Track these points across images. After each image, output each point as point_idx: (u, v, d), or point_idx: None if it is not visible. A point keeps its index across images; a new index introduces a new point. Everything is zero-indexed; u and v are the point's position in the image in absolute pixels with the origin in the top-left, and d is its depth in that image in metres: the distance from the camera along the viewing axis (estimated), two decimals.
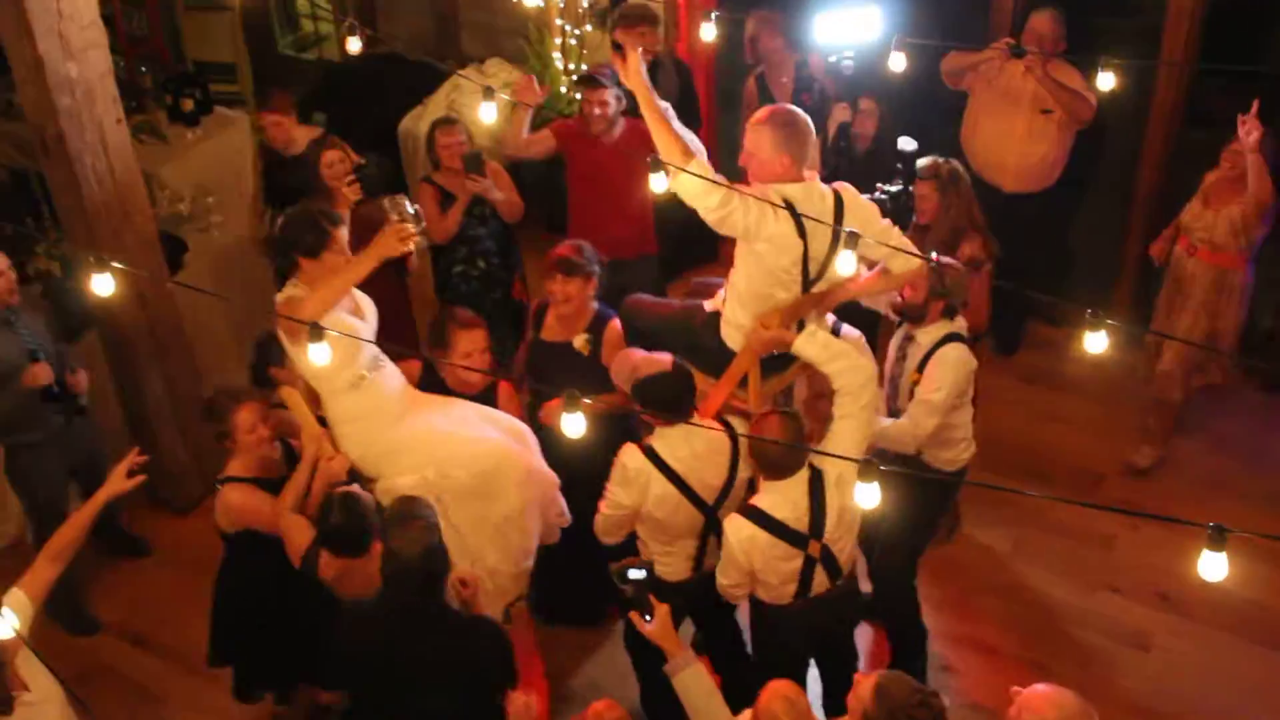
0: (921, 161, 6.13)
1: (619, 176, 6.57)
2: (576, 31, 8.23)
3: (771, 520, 4.66)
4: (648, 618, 4.29)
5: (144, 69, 8.56)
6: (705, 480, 4.91)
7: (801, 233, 4.76)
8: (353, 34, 5.69)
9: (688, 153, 4.68)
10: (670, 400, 4.80)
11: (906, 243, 5.07)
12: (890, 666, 5.93)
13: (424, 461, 4.97)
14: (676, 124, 4.88)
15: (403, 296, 6.93)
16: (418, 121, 8.60)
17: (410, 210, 4.84)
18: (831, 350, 4.85)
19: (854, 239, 4.49)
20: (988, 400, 6.39)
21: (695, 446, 4.87)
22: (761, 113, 4.82)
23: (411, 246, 4.83)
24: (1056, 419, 7.39)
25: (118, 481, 4.79)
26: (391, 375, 5.07)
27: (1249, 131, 5.99)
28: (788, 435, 4.57)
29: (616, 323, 5.70)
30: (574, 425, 3.99)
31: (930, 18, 7.19)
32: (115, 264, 4.24)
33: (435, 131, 6.71)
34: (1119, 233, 7.66)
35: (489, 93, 5.18)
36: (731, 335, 5.09)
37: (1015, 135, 7.13)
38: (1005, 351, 7.75)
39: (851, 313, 5.38)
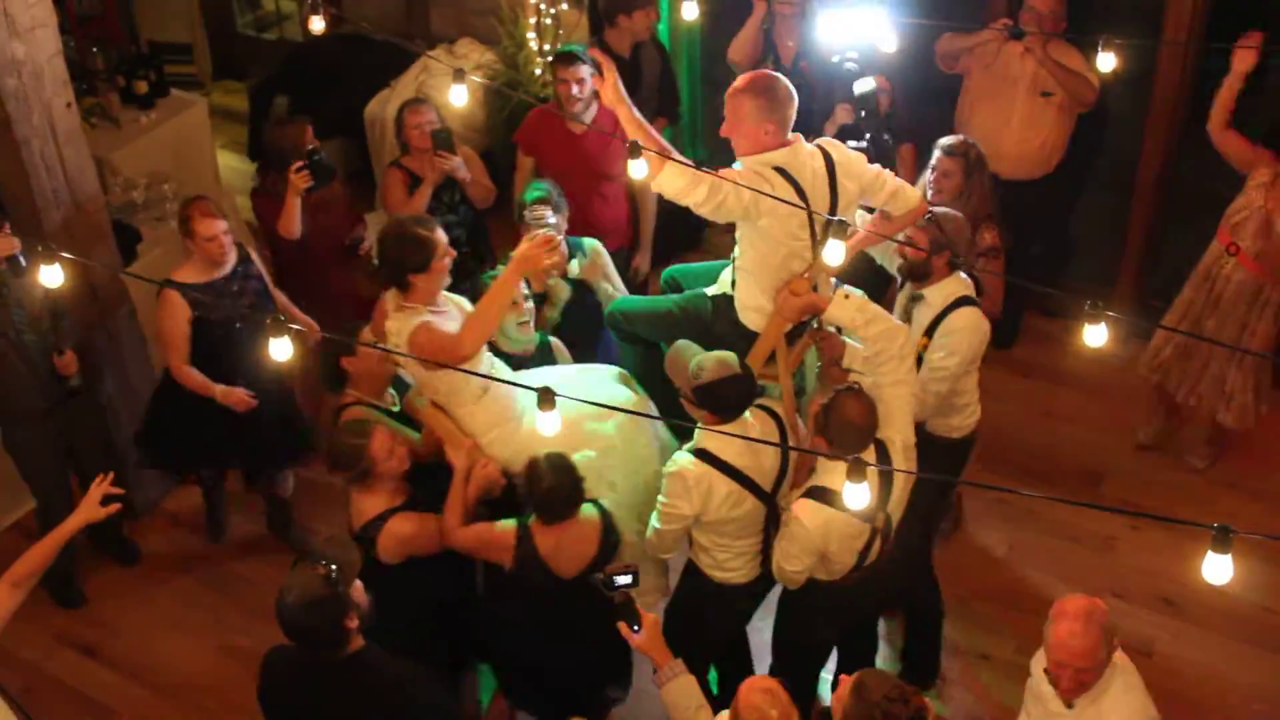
0: (948, 140, 6.15)
1: (595, 165, 6.61)
2: (552, 11, 8.23)
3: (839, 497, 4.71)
4: (636, 628, 4.32)
5: (95, 49, 8.53)
6: (763, 468, 4.93)
7: (801, 195, 4.84)
8: (316, 13, 5.67)
9: (664, 162, 4.76)
10: (736, 404, 4.83)
11: (900, 182, 5.19)
12: (906, 650, 6.12)
13: (566, 436, 4.92)
14: (654, 134, 4.98)
15: (356, 282, 6.96)
16: (385, 105, 8.58)
17: (552, 219, 5.00)
18: (867, 314, 4.86)
19: (842, 226, 4.52)
20: (984, 395, 6.42)
21: (736, 446, 4.88)
22: (739, 81, 4.89)
23: (558, 258, 4.97)
24: (1055, 415, 7.42)
25: (89, 509, 4.73)
26: (504, 370, 5.18)
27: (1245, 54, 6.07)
28: (866, 412, 4.66)
29: (592, 245, 6.05)
30: (550, 423, 4.06)
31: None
32: (65, 255, 4.23)
33: (404, 112, 6.71)
34: (1121, 221, 7.71)
35: (459, 74, 5.20)
36: (750, 318, 5.17)
37: (1013, 120, 7.16)
38: (1001, 344, 7.77)
39: (862, 280, 5.44)
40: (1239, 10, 7.07)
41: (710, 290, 5.36)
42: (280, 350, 3.99)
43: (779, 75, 4.94)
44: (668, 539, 4.99)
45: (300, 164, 6.31)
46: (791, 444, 5.00)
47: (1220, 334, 6.48)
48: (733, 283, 5.26)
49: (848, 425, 4.66)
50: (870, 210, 5.36)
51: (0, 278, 5.77)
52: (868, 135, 6.35)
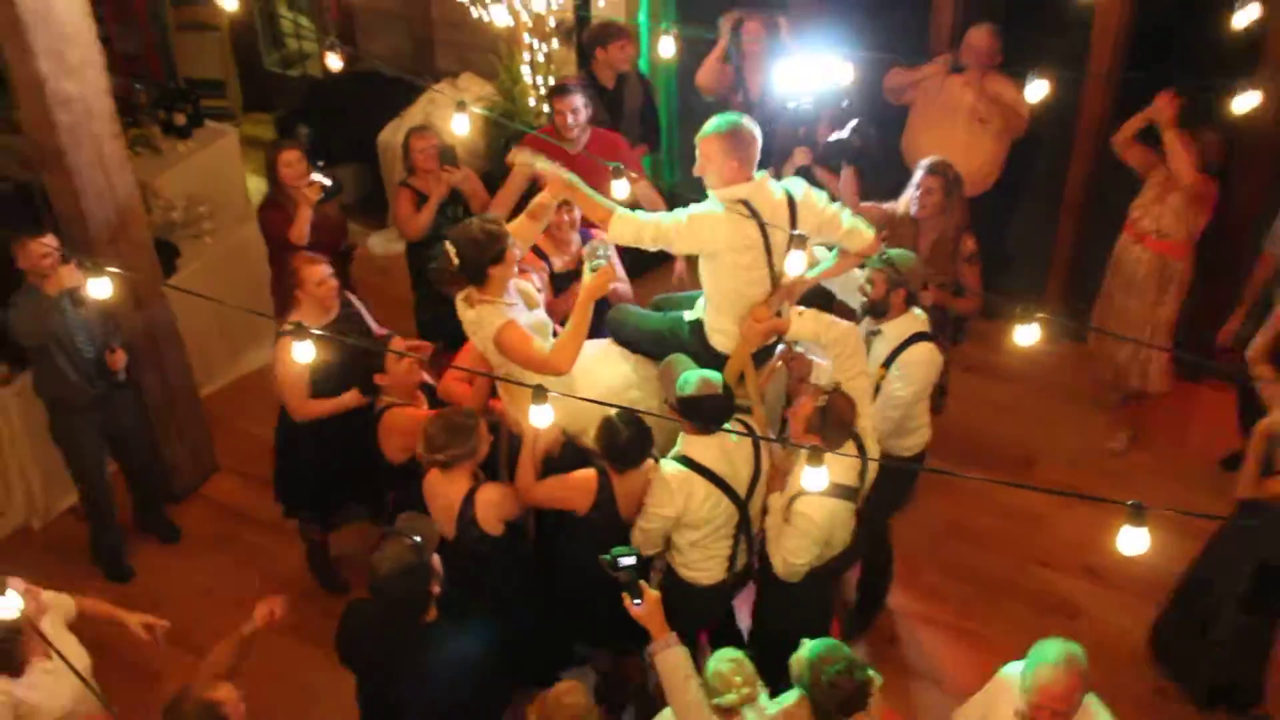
0: (930, 159, 6.24)
1: (588, 183, 6.69)
2: (544, 48, 8.31)
3: (844, 488, 4.87)
4: (637, 601, 4.38)
5: (138, 85, 8.59)
6: (739, 474, 4.99)
7: (762, 226, 4.91)
8: (334, 51, 5.77)
9: (608, 214, 4.97)
10: (714, 418, 4.86)
11: (855, 220, 5.24)
12: (857, 610, 6.23)
13: (615, 400, 5.14)
14: (590, 192, 5.15)
15: (349, 285, 7.10)
16: (396, 133, 8.65)
17: (606, 253, 5.06)
18: (823, 322, 5.04)
19: (802, 240, 4.62)
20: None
21: (724, 444, 4.95)
22: (707, 126, 4.99)
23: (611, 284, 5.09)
24: (993, 405, 7.53)
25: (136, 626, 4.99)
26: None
27: (1163, 108, 6.24)
28: (852, 410, 4.82)
29: (598, 233, 6.05)
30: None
31: (872, 35, 7.31)
32: (113, 269, 4.32)
33: (410, 137, 6.84)
34: (1050, 233, 7.81)
35: (461, 106, 5.31)
36: (719, 340, 5.24)
37: (955, 145, 7.20)
38: (953, 341, 7.87)
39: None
40: (1154, 48, 7.20)
41: (688, 315, 5.43)
42: (543, 417, 4.15)
43: (743, 119, 5.00)
44: (653, 536, 5.05)
45: (311, 179, 6.52)
46: (765, 455, 5.08)
47: (1137, 310, 6.73)
48: (703, 307, 5.35)
49: (841, 424, 4.79)
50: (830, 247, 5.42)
51: (61, 299, 5.93)
52: (851, 126, 6.43)
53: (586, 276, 5.02)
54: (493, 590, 5.13)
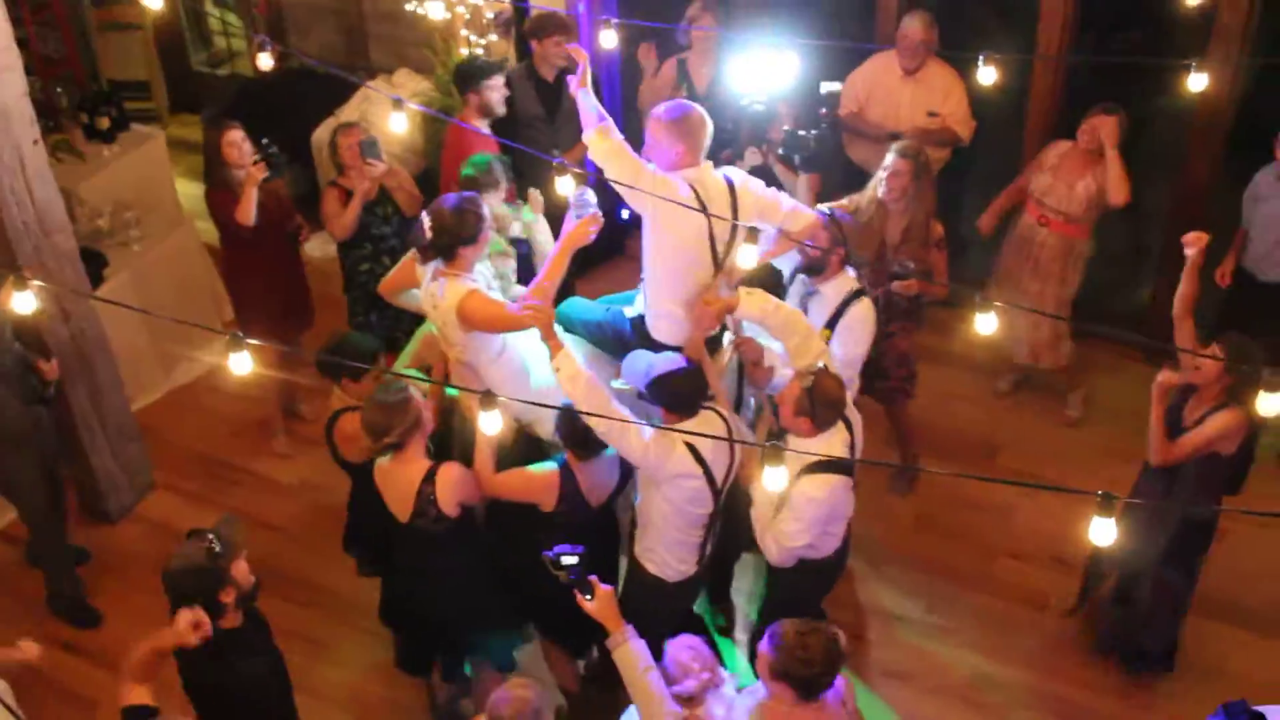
0: (902, 142, 6.20)
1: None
2: (481, 41, 8.15)
3: (840, 463, 4.83)
4: (589, 597, 4.35)
5: (59, 89, 8.37)
6: (720, 465, 4.95)
7: (704, 208, 4.93)
8: (264, 50, 5.59)
9: (596, 122, 4.94)
10: (689, 398, 4.83)
11: (795, 202, 5.37)
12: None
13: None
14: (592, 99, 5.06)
15: (299, 265, 7.18)
16: (330, 132, 8.47)
17: (591, 201, 4.99)
18: (770, 303, 5.02)
19: (754, 233, 4.58)
20: None
21: (706, 441, 4.88)
22: (657, 109, 5.06)
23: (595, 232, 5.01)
24: (955, 396, 7.46)
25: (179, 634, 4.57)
26: (521, 336, 5.22)
27: (1108, 135, 6.34)
28: (841, 388, 4.80)
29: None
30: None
31: (816, 23, 7.23)
32: (36, 281, 4.13)
33: (336, 135, 6.71)
34: (1004, 221, 7.72)
35: (398, 103, 5.17)
36: (661, 327, 5.25)
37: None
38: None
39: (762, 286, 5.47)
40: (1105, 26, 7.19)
41: (629, 312, 5.46)
42: (491, 423, 4.08)
43: (693, 105, 5.06)
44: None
45: (256, 157, 6.39)
46: (736, 438, 5.01)
47: (1043, 290, 6.84)
48: (645, 300, 5.33)
49: (830, 403, 4.76)
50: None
51: None
52: (814, 132, 6.33)
53: (569, 223, 4.98)
54: (441, 574, 5.10)
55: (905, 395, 6.62)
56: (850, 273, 5.52)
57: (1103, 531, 3.56)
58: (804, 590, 5.26)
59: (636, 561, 5.17)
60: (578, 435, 4.91)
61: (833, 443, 4.84)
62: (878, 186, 6.11)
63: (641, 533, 5.12)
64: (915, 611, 6.29)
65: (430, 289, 5.13)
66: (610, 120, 5.00)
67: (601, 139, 4.91)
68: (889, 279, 6.08)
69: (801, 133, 6.20)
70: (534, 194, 6.34)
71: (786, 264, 5.66)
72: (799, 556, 5.03)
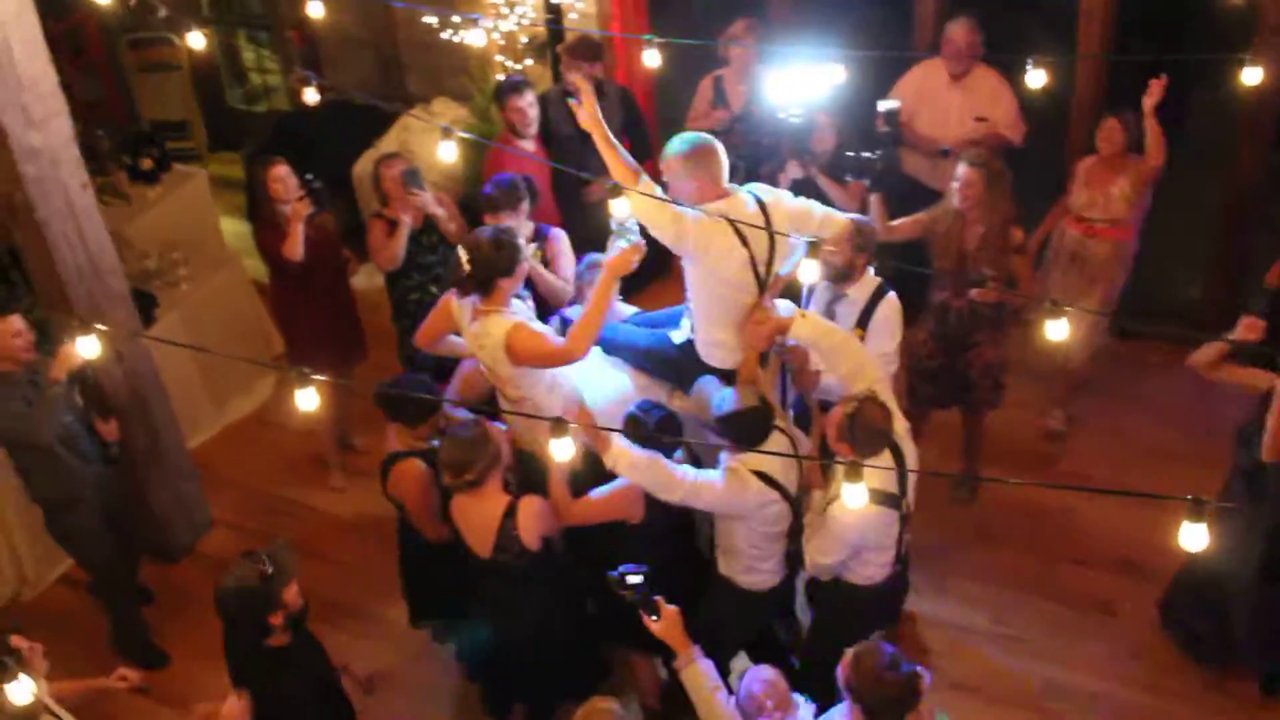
0: (971, 152, 6.18)
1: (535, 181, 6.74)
2: (517, 66, 8.19)
3: (881, 494, 4.76)
4: (654, 618, 4.33)
5: (101, 132, 8.44)
6: (791, 480, 4.97)
7: (744, 241, 4.91)
8: (306, 85, 5.62)
9: (635, 177, 4.84)
10: (753, 435, 4.82)
11: (826, 209, 5.34)
12: None
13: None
14: (627, 157, 4.98)
15: (349, 297, 7.19)
16: (370, 164, 8.52)
17: (633, 228, 4.97)
18: (823, 327, 5.01)
19: (815, 247, 4.57)
20: None
21: (775, 464, 4.91)
22: (667, 148, 5.02)
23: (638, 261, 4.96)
24: (1008, 402, 7.32)
25: (112, 683, 4.99)
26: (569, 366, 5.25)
27: (1151, 94, 6.21)
28: (886, 417, 4.74)
29: (556, 231, 6.29)
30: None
31: (853, 33, 7.20)
32: (98, 325, 4.18)
33: (379, 167, 6.75)
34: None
35: (447, 132, 5.17)
36: (713, 354, 5.23)
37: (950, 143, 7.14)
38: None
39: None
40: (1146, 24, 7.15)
41: (675, 337, 5.43)
42: (564, 450, 4.13)
43: (700, 136, 5.01)
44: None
45: (301, 193, 6.47)
46: (803, 453, 5.03)
47: (1089, 295, 6.78)
48: (691, 326, 5.32)
49: (872, 431, 4.70)
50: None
51: (31, 368, 5.67)
52: (879, 152, 6.33)
53: (611, 253, 4.92)
54: (525, 609, 5.07)
55: (990, 406, 6.58)
56: (872, 274, 5.55)
57: (1194, 537, 3.48)
58: (844, 614, 5.18)
59: (724, 578, 5.17)
60: (647, 438, 4.91)
61: (879, 472, 4.76)
62: (953, 197, 6.11)
63: (725, 557, 5.12)
64: (982, 622, 6.23)
65: (473, 330, 5.12)
66: (641, 171, 4.94)
67: (639, 200, 4.84)
68: (969, 287, 6.07)
69: (866, 155, 6.16)
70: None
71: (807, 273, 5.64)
72: (836, 575, 5.02)
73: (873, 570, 5.03)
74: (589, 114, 4.91)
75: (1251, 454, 5.25)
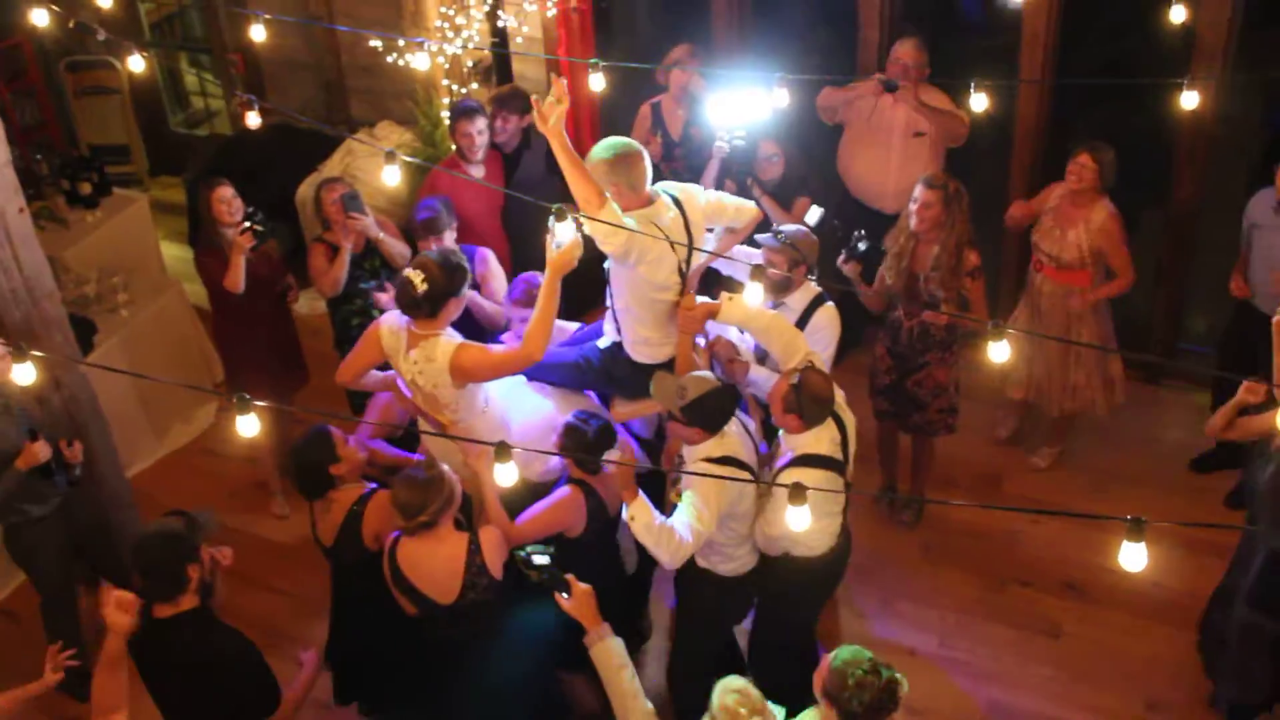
0: (929, 174, 6.22)
1: (483, 213, 6.86)
2: (463, 90, 8.20)
3: (825, 459, 4.90)
4: (565, 595, 4.40)
5: (39, 156, 8.38)
6: (752, 460, 5.05)
7: (673, 247, 5.02)
8: (249, 109, 5.60)
9: (603, 199, 4.77)
10: (723, 414, 4.89)
11: (736, 200, 5.44)
12: None
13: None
14: (583, 165, 4.93)
15: (290, 323, 7.16)
16: (313, 188, 8.50)
17: (569, 224, 4.87)
18: (751, 309, 5.08)
19: (760, 271, 4.70)
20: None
21: (737, 442, 4.99)
22: (591, 153, 5.01)
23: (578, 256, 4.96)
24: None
25: (48, 678, 4.79)
26: (495, 385, 5.32)
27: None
28: (829, 385, 4.91)
29: (483, 252, 6.45)
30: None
31: (799, 57, 7.30)
32: (34, 351, 4.12)
33: (320, 191, 6.72)
34: (996, 241, 7.77)
35: (390, 156, 5.14)
36: (642, 351, 5.30)
37: (891, 160, 7.21)
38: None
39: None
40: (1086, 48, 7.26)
41: (600, 343, 5.48)
42: (509, 475, 4.17)
43: (621, 141, 5.00)
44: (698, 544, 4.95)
45: (244, 226, 6.39)
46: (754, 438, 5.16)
47: (1050, 342, 6.72)
48: (617, 329, 5.36)
49: (817, 400, 4.84)
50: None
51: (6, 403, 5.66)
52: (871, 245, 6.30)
53: (551, 252, 4.91)
54: (506, 639, 5.00)
55: (945, 429, 6.59)
56: (812, 284, 5.65)
57: (1134, 557, 3.52)
58: (794, 588, 5.28)
59: (703, 571, 5.20)
60: (587, 446, 4.97)
61: (820, 439, 4.91)
62: (908, 217, 6.17)
63: (703, 552, 5.12)
64: (929, 645, 6.26)
65: (411, 358, 5.07)
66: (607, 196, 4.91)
67: (608, 218, 4.77)
68: (920, 308, 6.13)
69: (862, 246, 6.15)
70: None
71: (740, 270, 5.65)
72: (784, 550, 5.10)
73: (823, 539, 5.10)
74: (550, 121, 4.69)
75: (1253, 474, 5.31)
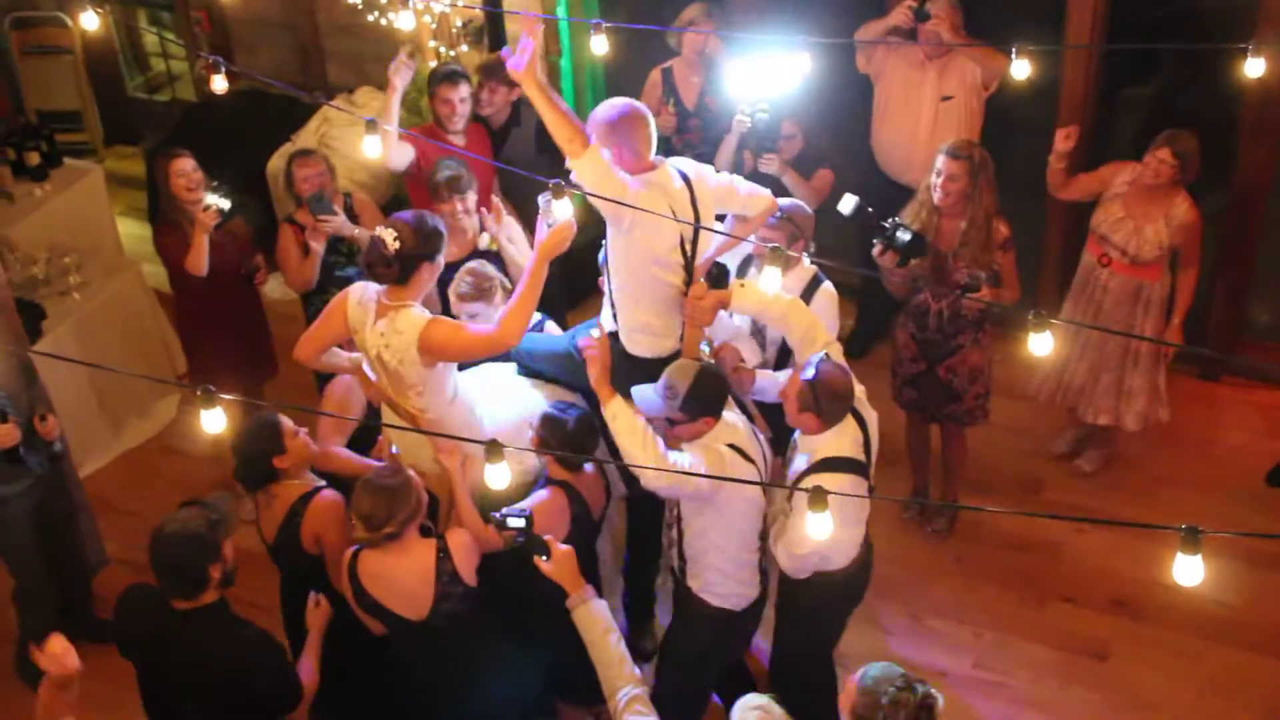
0: (952, 143, 6.21)
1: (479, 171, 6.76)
2: (452, 53, 8.18)
3: (850, 461, 4.88)
4: (545, 558, 4.47)
5: None
6: (757, 455, 5.04)
7: (674, 215, 4.99)
8: (215, 72, 5.57)
9: (587, 141, 4.81)
10: (720, 396, 4.90)
11: (750, 186, 5.43)
12: None
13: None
14: (570, 114, 4.92)
15: (259, 309, 7.16)
16: (286, 160, 8.48)
17: (562, 207, 4.90)
18: (765, 295, 5.07)
19: (779, 255, 4.66)
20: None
21: (741, 431, 4.99)
22: (596, 111, 5.05)
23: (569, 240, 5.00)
24: (990, 424, 7.39)
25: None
26: (465, 376, 5.37)
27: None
28: (847, 379, 4.87)
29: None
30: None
31: (822, 21, 7.26)
32: None
33: (292, 165, 6.73)
34: (1039, 223, 7.77)
35: (371, 125, 5.14)
36: (639, 341, 5.32)
37: (920, 129, 7.21)
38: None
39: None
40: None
41: (595, 332, 5.45)
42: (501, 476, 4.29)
43: (630, 103, 5.02)
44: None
45: (206, 203, 6.38)
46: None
47: (1108, 341, 6.67)
48: (614, 315, 5.37)
49: (835, 397, 4.83)
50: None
51: None
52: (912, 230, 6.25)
53: (542, 232, 4.92)
54: (479, 652, 5.01)
55: (983, 415, 6.60)
56: (808, 263, 5.64)
57: (1189, 571, 3.49)
58: (822, 608, 5.29)
59: (695, 598, 5.18)
60: (567, 441, 4.96)
61: (842, 440, 4.89)
62: (931, 192, 6.15)
63: (695, 569, 5.14)
64: (963, 666, 6.25)
65: (378, 329, 5.04)
66: (586, 130, 4.93)
67: (593, 163, 4.82)
68: (956, 290, 6.10)
69: (902, 235, 6.11)
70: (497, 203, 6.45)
71: (733, 257, 5.74)
72: (813, 568, 5.07)
73: (848, 550, 5.10)
74: (522, 65, 4.75)
75: None
